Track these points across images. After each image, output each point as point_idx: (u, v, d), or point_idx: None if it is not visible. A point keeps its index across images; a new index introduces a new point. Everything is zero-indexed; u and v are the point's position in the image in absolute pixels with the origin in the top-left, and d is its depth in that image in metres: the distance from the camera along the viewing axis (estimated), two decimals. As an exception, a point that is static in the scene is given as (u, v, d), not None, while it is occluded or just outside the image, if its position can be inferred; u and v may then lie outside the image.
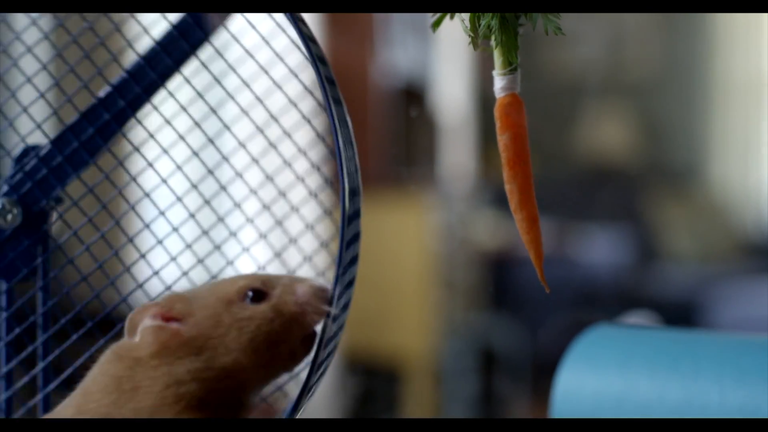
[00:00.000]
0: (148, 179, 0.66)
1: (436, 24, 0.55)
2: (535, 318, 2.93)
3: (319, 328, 0.51)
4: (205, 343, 0.49)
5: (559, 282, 3.16)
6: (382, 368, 2.69)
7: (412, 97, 3.03)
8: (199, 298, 0.50)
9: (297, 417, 0.55)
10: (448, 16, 0.55)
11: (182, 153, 0.66)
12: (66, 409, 0.50)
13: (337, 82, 0.60)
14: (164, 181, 0.64)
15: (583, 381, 0.72)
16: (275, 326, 0.49)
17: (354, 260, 0.56)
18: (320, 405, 2.35)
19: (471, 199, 3.00)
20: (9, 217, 0.61)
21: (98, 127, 0.60)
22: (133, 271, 0.64)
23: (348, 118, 0.59)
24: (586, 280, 3.25)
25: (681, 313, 3.10)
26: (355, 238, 0.56)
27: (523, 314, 2.97)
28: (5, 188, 0.61)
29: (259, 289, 0.50)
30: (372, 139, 2.81)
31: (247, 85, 0.66)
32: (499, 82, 0.54)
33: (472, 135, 3.12)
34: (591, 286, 3.25)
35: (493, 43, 0.53)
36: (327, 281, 0.53)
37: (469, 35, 0.54)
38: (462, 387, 2.74)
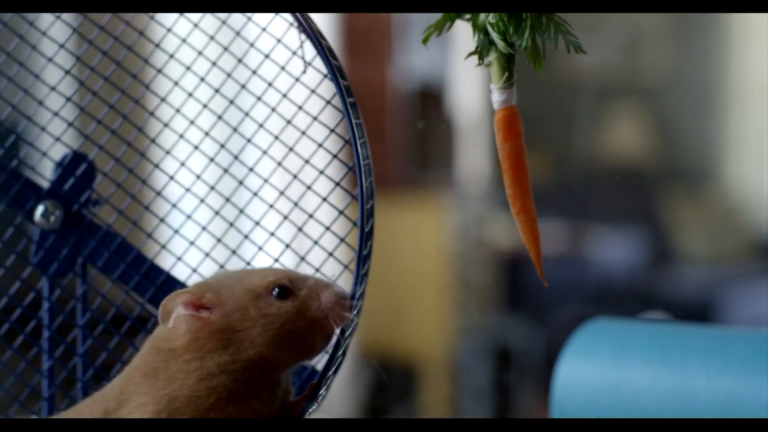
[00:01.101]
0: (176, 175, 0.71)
1: (425, 40, 0.60)
2: (550, 317, 2.97)
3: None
4: (233, 335, 0.53)
5: (573, 282, 3.20)
6: (398, 366, 2.74)
7: (429, 100, 3.07)
8: (227, 288, 0.55)
9: (316, 403, 0.60)
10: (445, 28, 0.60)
11: (201, 162, 0.72)
12: (111, 389, 0.55)
13: (352, 89, 0.65)
14: (198, 176, 0.70)
15: (581, 370, 0.77)
16: (297, 326, 0.54)
17: (368, 255, 0.61)
18: (336, 396, 2.41)
19: (487, 200, 3.05)
20: (52, 218, 0.67)
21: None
22: (161, 261, 0.70)
23: (362, 122, 0.64)
24: (600, 280, 3.29)
25: (695, 314, 3.13)
26: (370, 234, 0.61)
27: (538, 313, 3.01)
28: (48, 192, 0.67)
29: (286, 287, 0.54)
30: (390, 141, 2.86)
31: (270, 84, 0.70)
32: (497, 96, 0.59)
33: (488, 138, 3.16)
34: (605, 286, 3.28)
35: (492, 58, 0.58)
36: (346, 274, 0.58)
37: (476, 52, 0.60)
38: (477, 384, 2.79)
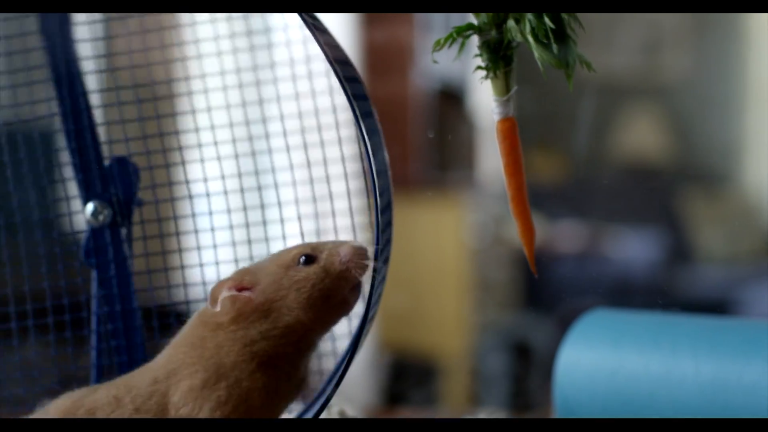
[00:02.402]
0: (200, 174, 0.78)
1: (437, 47, 0.67)
2: (568, 314, 3.02)
3: (363, 279, 0.63)
4: (271, 305, 0.61)
5: (591, 280, 3.25)
6: (418, 361, 2.80)
7: (450, 103, 3.13)
8: (262, 269, 0.62)
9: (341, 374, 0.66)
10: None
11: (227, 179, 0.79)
12: (159, 359, 0.63)
13: (368, 95, 0.72)
14: (228, 175, 0.77)
15: (581, 356, 0.84)
16: (326, 283, 0.61)
17: (389, 224, 0.68)
18: (357, 384, 2.47)
19: (506, 200, 3.11)
20: (101, 217, 0.74)
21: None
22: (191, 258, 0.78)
23: (379, 127, 0.70)
24: (619, 279, 3.33)
25: (711, 312, 3.16)
26: (388, 206, 0.67)
27: (556, 310, 3.05)
28: (99, 193, 0.75)
29: (309, 254, 0.62)
30: (411, 143, 2.92)
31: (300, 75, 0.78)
32: (498, 107, 0.66)
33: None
34: (624, 284, 3.32)
35: (493, 73, 0.66)
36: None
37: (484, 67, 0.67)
38: (495, 380, 2.85)
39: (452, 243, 2.87)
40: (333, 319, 0.63)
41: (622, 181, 3.94)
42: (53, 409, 0.62)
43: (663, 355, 0.81)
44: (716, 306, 3.23)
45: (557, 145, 3.76)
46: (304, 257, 0.62)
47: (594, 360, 0.83)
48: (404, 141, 2.88)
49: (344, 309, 0.63)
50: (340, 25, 2.61)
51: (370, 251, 0.62)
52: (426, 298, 2.81)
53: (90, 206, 0.74)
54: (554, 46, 0.62)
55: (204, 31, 0.79)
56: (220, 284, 0.62)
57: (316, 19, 0.68)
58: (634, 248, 3.49)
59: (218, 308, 0.61)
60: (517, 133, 0.66)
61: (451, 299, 2.85)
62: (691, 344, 0.80)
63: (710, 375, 0.79)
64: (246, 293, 0.61)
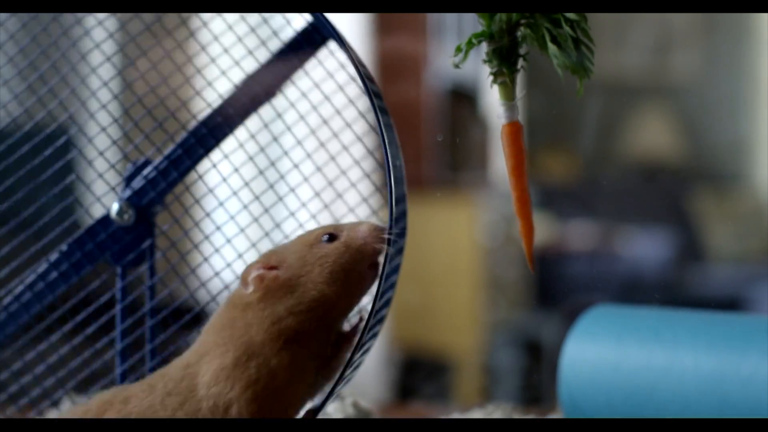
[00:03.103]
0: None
1: (458, 54, 0.70)
2: (579, 312, 3.04)
3: (381, 258, 0.67)
4: (297, 281, 0.64)
5: (603, 278, 3.28)
6: (431, 359, 2.84)
7: (463, 103, 3.16)
8: (287, 248, 0.66)
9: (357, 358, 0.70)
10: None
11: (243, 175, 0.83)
12: (196, 345, 0.66)
13: (385, 102, 0.75)
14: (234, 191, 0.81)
15: (585, 349, 0.87)
16: (347, 258, 0.65)
17: (403, 215, 0.71)
18: (369, 378, 2.51)
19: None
20: (125, 216, 0.78)
21: (206, 148, 0.77)
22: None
23: (393, 127, 0.74)
24: (630, 278, 3.35)
25: (722, 310, 3.17)
26: (402, 198, 0.71)
27: (567, 307, 3.08)
28: (123, 194, 0.78)
29: (332, 233, 0.66)
30: (426, 144, 2.95)
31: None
32: (504, 111, 0.69)
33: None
34: (635, 283, 3.35)
35: (500, 79, 0.69)
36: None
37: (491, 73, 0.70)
38: (507, 377, 2.88)
39: (465, 242, 2.91)
40: (355, 295, 0.66)
41: (633, 180, 3.96)
42: (95, 401, 0.66)
43: (664, 349, 0.84)
44: (727, 304, 3.25)
45: (569, 145, 3.79)
46: (327, 236, 0.66)
47: (597, 354, 0.87)
48: (418, 142, 2.91)
49: (364, 284, 0.66)
50: (353, 32, 2.65)
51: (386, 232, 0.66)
52: (439, 295, 2.84)
53: (115, 206, 0.78)
54: (573, 53, 0.65)
55: (219, 30, 0.83)
56: (250, 267, 0.66)
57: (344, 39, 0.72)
58: (644, 247, 3.51)
59: (249, 289, 0.65)
60: (522, 137, 0.70)
61: (464, 297, 2.89)
62: (690, 338, 0.84)
63: (709, 368, 0.82)
64: (273, 272, 0.65)
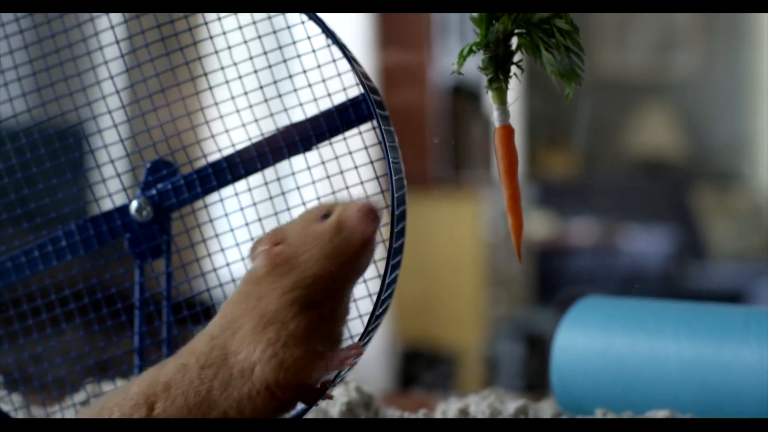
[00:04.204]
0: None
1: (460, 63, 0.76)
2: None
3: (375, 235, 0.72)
4: (300, 257, 0.70)
5: (605, 274, 3.33)
6: (433, 351, 2.89)
7: (466, 103, 3.21)
8: (291, 227, 0.72)
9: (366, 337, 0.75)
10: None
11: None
12: (217, 319, 0.72)
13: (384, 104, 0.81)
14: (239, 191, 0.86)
15: (575, 337, 0.93)
16: (343, 235, 0.70)
17: (402, 216, 0.77)
18: (372, 367, 2.56)
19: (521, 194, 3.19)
20: (144, 213, 0.84)
21: (234, 176, 0.84)
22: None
23: (393, 131, 0.79)
24: (631, 273, 3.41)
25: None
26: (401, 184, 0.76)
27: (569, 302, 3.12)
28: (142, 192, 0.84)
29: (328, 212, 0.71)
30: (430, 144, 3.01)
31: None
32: (499, 115, 0.75)
33: (519, 138, 3.29)
34: (636, 279, 3.40)
35: (495, 84, 0.75)
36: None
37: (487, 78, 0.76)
38: (508, 369, 2.93)
39: (468, 237, 2.96)
40: (354, 267, 0.72)
41: (634, 177, 4.01)
42: (135, 386, 0.71)
43: (648, 337, 0.90)
44: (727, 300, 3.29)
45: (569, 144, 3.83)
46: (323, 214, 0.72)
47: (586, 341, 0.92)
48: (422, 142, 2.96)
49: (360, 259, 0.71)
50: (358, 36, 2.70)
51: (381, 211, 0.71)
52: (442, 289, 2.90)
53: (135, 203, 0.84)
54: (565, 60, 0.71)
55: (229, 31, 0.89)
56: (257, 242, 0.72)
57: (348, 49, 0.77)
58: (646, 243, 3.56)
59: (256, 263, 0.70)
60: (513, 139, 0.75)
61: (467, 291, 2.94)
62: (673, 327, 0.89)
63: (690, 354, 0.88)
64: (278, 247, 0.71)
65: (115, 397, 0.72)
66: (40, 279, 0.90)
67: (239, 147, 0.84)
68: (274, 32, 0.88)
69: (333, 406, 0.89)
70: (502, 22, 0.74)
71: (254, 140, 0.84)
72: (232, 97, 0.88)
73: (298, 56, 0.86)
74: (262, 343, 0.69)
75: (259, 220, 0.87)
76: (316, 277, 0.70)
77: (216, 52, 0.88)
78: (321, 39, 0.85)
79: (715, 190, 3.99)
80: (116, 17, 0.88)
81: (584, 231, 3.42)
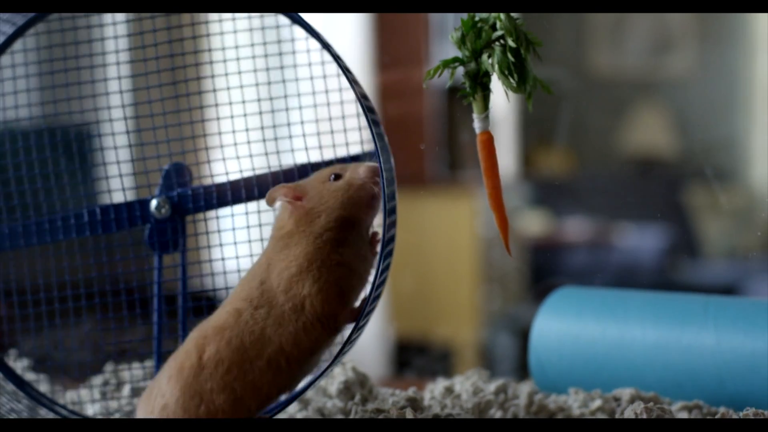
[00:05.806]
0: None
1: (428, 77, 0.85)
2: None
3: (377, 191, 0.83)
4: (319, 209, 0.83)
5: (599, 271, 3.40)
6: (430, 346, 2.97)
7: (461, 99, 3.28)
8: (307, 184, 0.84)
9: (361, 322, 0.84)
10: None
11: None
12: (256, 267, 0.83)
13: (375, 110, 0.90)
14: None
15: (551, 324, 1.02)
16: (351, 192, 0.83)
17: (393, 210, 0.86)
18: (367, 351, 2.64)
19: (515, 193, 3.29)
20: (163, 210, 0.93)
21: (248, 197, 0.94)
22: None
23: (384, 136, 0.88)
24: (625, 270, 3.47)
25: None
26: (390, 172, 0.86)
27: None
28: (161, 191, 0.93)
29: (338, 173, 0.84)
30: (426, 138, 3.08)
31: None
32: (478, 123, 0.84)
33: (514, 137, 3.37)
34: (630, 277, 3.47)
35: (472, 97, 0.84)
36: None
37: (468, 92, 0.85)
38: (504, 363, 3.01)
39: (464, 234, 3.05)
40: (367, 214, 0.84)
41: (628, 176, 4.08)
42: (191, 342, 0.82)
43: (616, 323, 0.99)
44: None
45: (564, 142, 3.90)
46: (334, 175, 0.84)
47: (561, 327, 1.02)
48: (419, 143, 3.04)
49: (370, 209, 0.84)
50: (354, 33, 2.78)
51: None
52: (438, 285, 2.98)
53: (154, 202, 0.93)
54: (515, 76, 0.80)
55: (227, 34, 0.98)
56: (276, 189, 0.84)
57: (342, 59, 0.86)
58: (640, 241, 3.61)
59: (274, 206, 0.83)
60: (493, 143, 0.84)
61: (463, 286, 3.02)
62: (639, 314, 0.99)
63: (654, 338, 0.97)
64: (300, 202, 0.83)
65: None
66: (60, 273, 0.99)
67: (258, 173, 0.94)
68: (271, 42, 0.98)
69: (332, 384, 0.99)
70: (472, 42, 0.83)
71: (272, 170, 0.94)
72: (232, 106, 0.97)
73: (295, 60, 0.96)
74: (309, 280, 0.81)
75: (259, 223, 0.97)
76: (338, 221, 0.82)
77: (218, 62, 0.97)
78: (317, 53, 0.94)
79: (709, 188, 4.04)
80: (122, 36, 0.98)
81: (579, 229, 3.50)
